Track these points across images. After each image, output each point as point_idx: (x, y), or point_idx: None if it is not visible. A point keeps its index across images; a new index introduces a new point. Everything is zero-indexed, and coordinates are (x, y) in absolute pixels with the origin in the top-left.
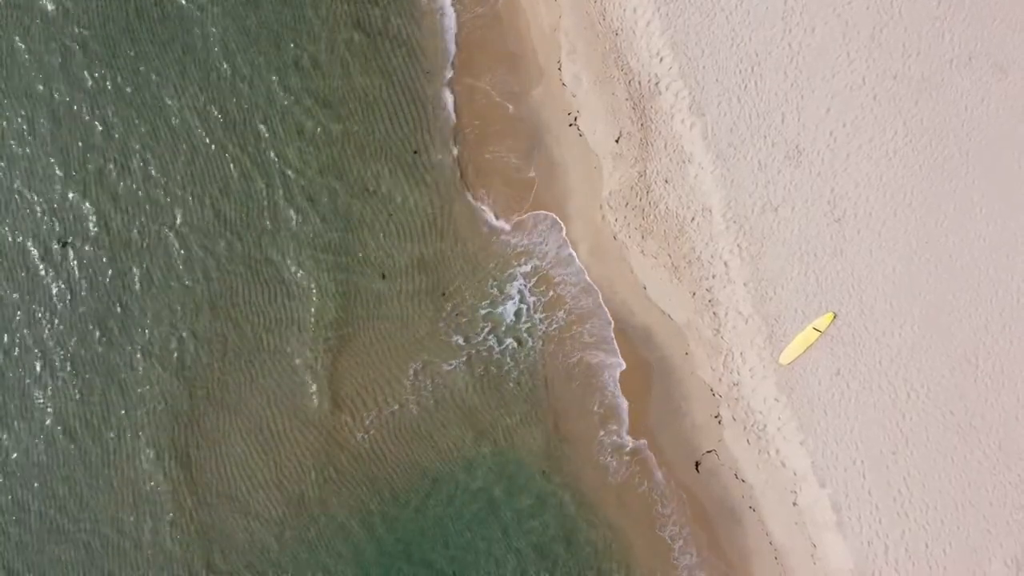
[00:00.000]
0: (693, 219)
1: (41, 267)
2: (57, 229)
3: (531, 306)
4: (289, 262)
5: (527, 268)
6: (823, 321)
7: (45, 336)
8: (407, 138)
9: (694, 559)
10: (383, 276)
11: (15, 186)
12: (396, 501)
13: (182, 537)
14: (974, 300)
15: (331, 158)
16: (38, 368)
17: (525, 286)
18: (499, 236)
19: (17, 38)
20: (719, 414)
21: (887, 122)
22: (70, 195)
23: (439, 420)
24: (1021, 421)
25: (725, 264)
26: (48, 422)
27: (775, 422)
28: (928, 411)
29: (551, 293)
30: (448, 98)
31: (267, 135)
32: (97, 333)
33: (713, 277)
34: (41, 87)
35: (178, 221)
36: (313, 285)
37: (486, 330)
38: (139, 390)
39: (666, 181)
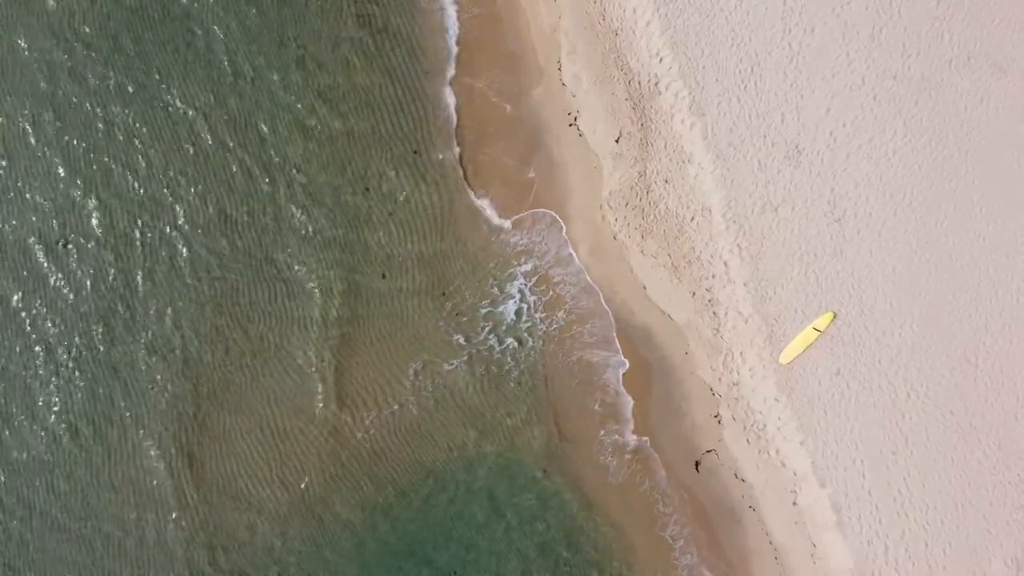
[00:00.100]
0: (693, 219)
1: (45, 265)
2: (61, 228)
3: (531, 305)
4: (290, 260)
5: (527, 267)
6: (823, 321)
7: (48, 334)
8: (407, 138)
9: (695, 559)
10: (383, 276)
11: (18, 184)
12: (398, 499)
13: (185, 535)
14: (974, 300)
15: (332, 157)
16: (41, 366)
17: (525, 285)
18: (499, 235)
19: (20, 36)
20: (719, 414)
21: (887, 122)
22: (73, 194)
23: (440, 419)
24: (1021, 421)
25: (725, 264)
26: (51, 420)
27: (775, 422)
28: (928, 411)
29: (551, 292)
30: (448, 98)
31: (269, 134)
32: (100, 331)
33: (713, 277)
34: (44, 85)
35: (181, 220)
36: (313, 284)
37: (486, 329)
38: (142, 388)
39: (666, 181)
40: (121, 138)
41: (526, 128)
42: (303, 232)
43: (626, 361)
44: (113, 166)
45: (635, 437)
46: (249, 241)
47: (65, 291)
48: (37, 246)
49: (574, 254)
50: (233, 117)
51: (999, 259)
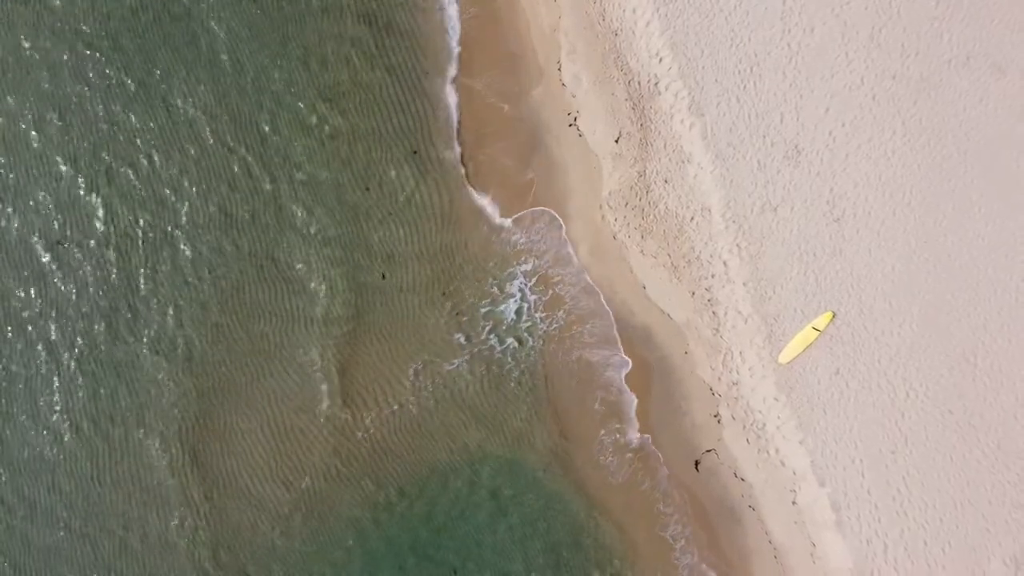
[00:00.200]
0: (692, 219)
1: (47, 264)
2: (63, 227)
3: (532, 305)
4: (292, 259)
5: (527, 267)
6: (822, 320)
7: (52, 332)
8: (408, 137)
9: (695, 558)
10: (383, 276)
11: (21, 183)
12: (400, 498)
13: (188, 533)
14: (973, 299)
15: (333, 156)
16: (43, 365)
17: (525, 285)
18: (499, 234)
19: (22, 36)
20: (718, 413)
21: (886, 122)
22: (76, 193)
23: (441, 419)
24: (1020, 420)
25: (724, 264)
26: (54, 419)
27: (774, 421)
28: (927, 410)
29: (551, 292)
30: (449, 97)
31: (270, 132)
32: (103, 330)
33: (712, 277)
34: (46, 85)
35: (183, 219)
36: (315, 282)
37: (487, 329)
38: (145, 387)
39: (665, 181)
40: (123, 137)
41: (526, 128)
42: (304, 231)
43: (629, 360)
44: (115, 165)
45: (638, 436)
46: (251, 240)
47: (67, 290)
48: (39, 245)
49: (574, 254)
50: (235, 116)
51: (998, 259)
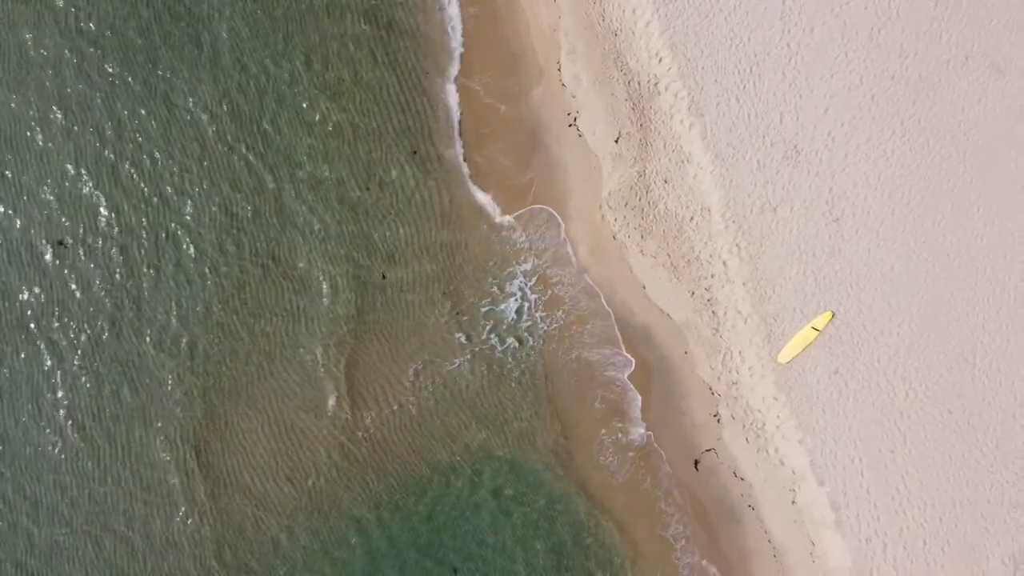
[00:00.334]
0: (692, 219)
1: (51, 262)
2: (67, 225)
3: (532, 304)
4: (294, 258)
5: (527, 266)
6: (821, 320)
7: (56, 331)
8: (408, 136)
9: (696, 557)
10: (383, 276)
11: (25, 182)
12: (403, 497)
13: (192, 531)
14: (972, 299)
15: (336, 154)
16: (48, 363)
17: (526, 284)
18: (499, 233)
19: (27, 34)
20: (718, 413)
21: (885, 122)
22: (80, 191)
23: (443, 418)
24: (1018, 419)
25: (724, 263)
26: (58, 417)
27: (774, 421)
28: (926, 410)
29: (551, 292)
30: (451, 97)
31: (273, 131)
32: (108, 328)
33: (712, 276)
34: (51, 83)
35: (187, 217)
36: (316, 281)
37: (487, 328)
38: (149, 385)
39: (665, 181)
40: (127, 135)
41: (526, 128)
42: (305, 230)
43: (631, 359)
44: (119, 163)
45: (641, 435)
46: (253, 238)
47: (71, 288)
48: (44, 243)
49: (574, 253)
50: (237, 114)
51: (997, 258)
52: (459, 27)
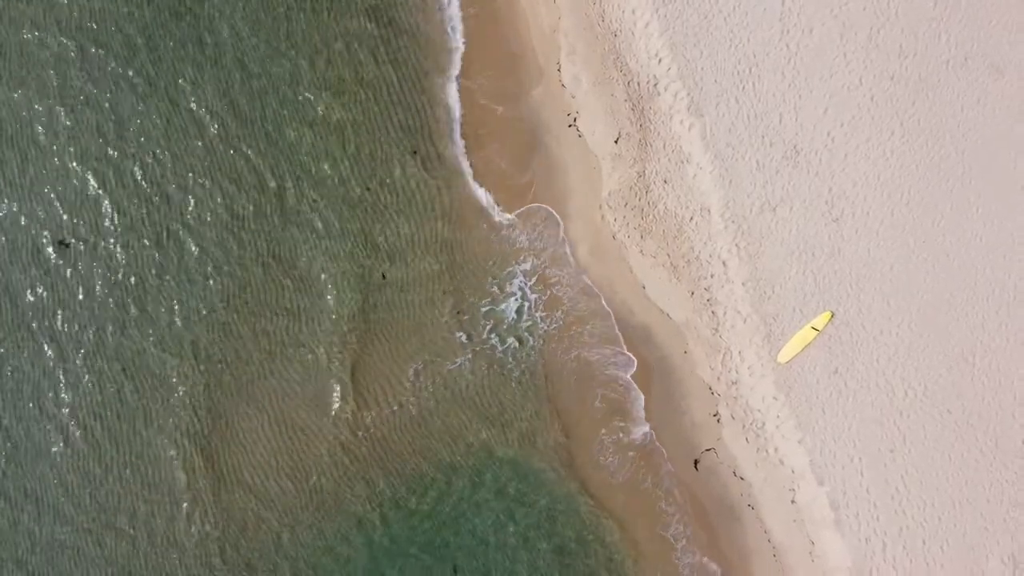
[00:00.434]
0: (692, 219)
1: (54, 261)
2: (70, 224)
3: (532, 304)
4: (296, 257)
5: (527, 266)
6: (821, 320)
7: (59, 329)
8: (409, 136)
9: (696, 557)
10: (383, 276)
11: (28, 181)
12: (405, 495)
13: (195, 529)
14: (971, 299)
15: (339, 152)
16: (51, 362)
17: (526, 284)
18: (499, 232)
19: (29, 32)
20: (718, 412)
21: (884, 122)
22: (83, 190)
23: (445, 418)
24: (1018, 419)
25: (723, 263)
26: (62, 416)
27: (773, 420)
28: (925, 409)
29: (551, 292)
30: (450, 96)
31: (275, 130)
32: (111, 327)
33: (712, 276)
34: (54, 82)
35: (190, 216)
36: (318, 280)
37: (488, 328)
38: (153, 384)
39: (665, 181)
40: (130, 134)
41: (526, 128)
42: (308, 228)
43: (634, 359)
44: (122, 162)
45: (645, 434)
46: (255, 237)
47: (74, 287)
48: (47, 243)
49: (573, 253)
50: (239, 113)
51: (996, 258)
52: (459, 27)
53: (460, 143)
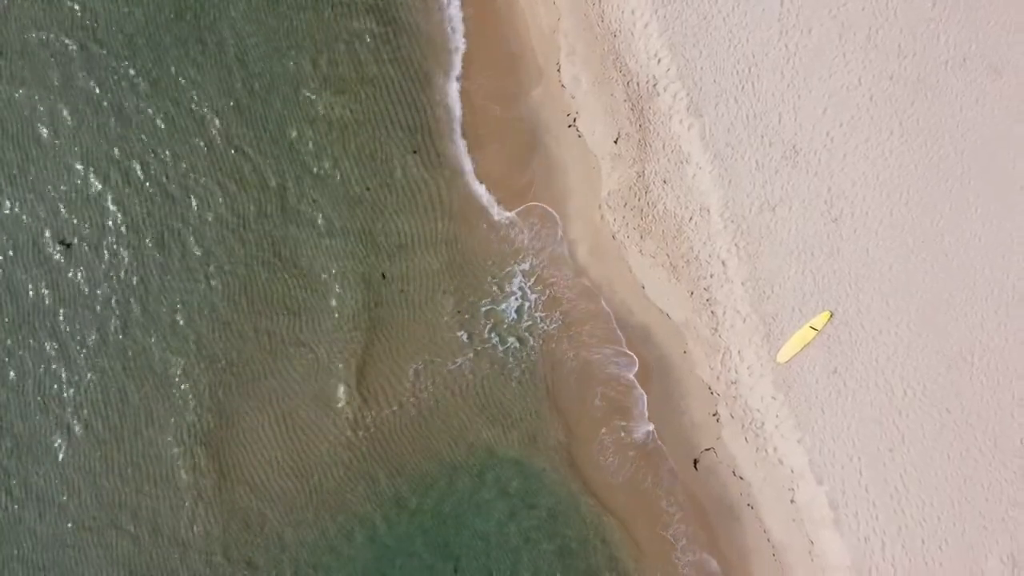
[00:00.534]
0: (691, 219)
1: (58, 260)
2: (73, 223)
3: (532, 303)
4: (297, 256)
5: (526, 266)
6: (820, 320)
7: (62, 328)
8: (410, 135)
9: (696, 556)
10: (384, 275)
11: (31, 179)
12: (407, 494)
13: (198, 527)
14: (970, 299)
15: (341, 152)
16: (55, 361)
17: (526, 283)
18: (499, 232)
19: (33, 32)
20: (717, 412)
21: (883, 122)
22: (86, 189)
23: (445, 417)
24: (1017, 418)
25: (723, 263)
26: (65, 414)
27: (773, 420)
28: (924, 408)
29: (551, 291)
30: (450, 96)
31: (277, 129)
32: (114, 326)
33: (711, 276)
34: (57, 81)
35: (192, 215)
36: (319, 279)
37: (488, 327)
38: (156, 382)
39: (664, 181)
40: (132, 133)
41: (525, 128)
42: (309, 227)
43: (635, 358)
44: (125, 161)
45: (647, 432)
46: (257, 236)
47: (77, 286)
48: (50, 241)
49: (572, 253)
50: (241, 112)
51: (995, 258)
52: (459, 27)
53: (460, 143)
